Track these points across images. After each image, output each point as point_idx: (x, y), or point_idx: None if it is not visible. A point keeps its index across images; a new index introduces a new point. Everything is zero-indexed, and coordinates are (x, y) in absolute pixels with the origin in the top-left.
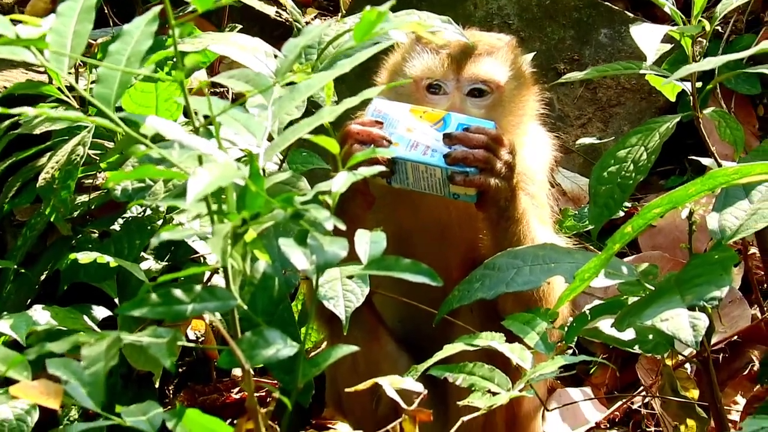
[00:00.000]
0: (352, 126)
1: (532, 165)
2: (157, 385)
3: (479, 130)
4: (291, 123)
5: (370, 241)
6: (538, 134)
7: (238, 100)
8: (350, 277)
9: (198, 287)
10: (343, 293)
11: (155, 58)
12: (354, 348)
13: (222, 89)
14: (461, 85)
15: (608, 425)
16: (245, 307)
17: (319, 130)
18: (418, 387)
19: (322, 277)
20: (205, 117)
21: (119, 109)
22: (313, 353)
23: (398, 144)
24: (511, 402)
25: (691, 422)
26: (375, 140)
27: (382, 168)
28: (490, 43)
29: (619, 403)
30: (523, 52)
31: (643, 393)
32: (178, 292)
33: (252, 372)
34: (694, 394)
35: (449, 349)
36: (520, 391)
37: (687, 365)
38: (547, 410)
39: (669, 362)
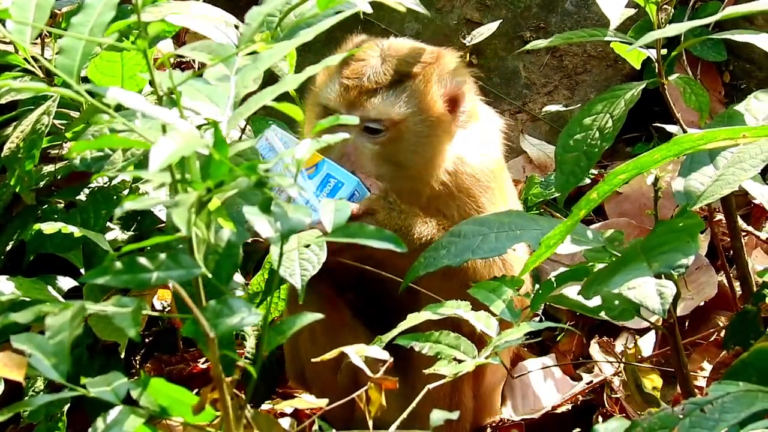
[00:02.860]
0: None
1: (472, 171)
2: (123, 356)
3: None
4: (250, 94)
5: (334, 209)
6: (475, 134)
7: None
8: (307, 246)
9: (163, 255)
10: (299, 262)
11: (117, 26)
12: (318, 315)
13: (189, 59)
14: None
15: (581, 398)
16: (210, 275)
17: (283, 97)
18: (384, 355)
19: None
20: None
21: (85, 79)
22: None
23: None
24: (478, 370)
25: (653, 383)
26: None
27: (345, 135)
28: (398, 70)
29: (584, 382)
30: (461, 59)
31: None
32: (142, 260)
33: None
34: (657, 383)
35: (414, 318)
36: (486, 358)
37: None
38: (512, 377)
39: (631, 353)
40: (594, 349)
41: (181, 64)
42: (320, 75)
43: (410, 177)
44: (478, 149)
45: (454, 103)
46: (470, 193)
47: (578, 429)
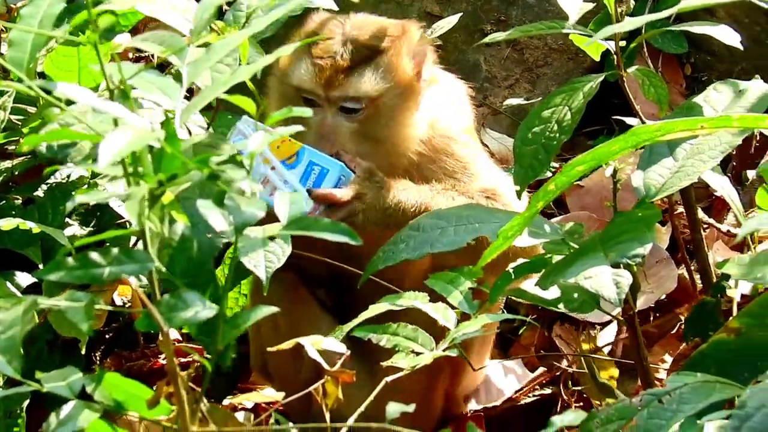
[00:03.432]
0: None
1: (444, 132)
2: (83, 352)
3: (322, 197)
4: None
5: (289, 202)
6: (442, 98)
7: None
8: (272, 238)
9: (116, 250)
10: (264, 254)
11: (76, 21)
12: (274, 309)
13: (147, 53)
14: (332, 100)
15: (538, 387)
16: (164, 269)
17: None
18: (341, 348)
19: (243, 238)
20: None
21: (42, 74)
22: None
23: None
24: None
25: (609, 373)
26: None
27: (299, 127)
28: (369, 46)
29: (539, 371)
30: (423, 30)
31: (568, 355)
32: (95, 256)
33: (172, 335)
34: (614, 373)
35: (374, 309)
36: (444, 351)
37: (606, 349)
38: (474, 370)
39: (586, 346)
40: (556, 337)
41: (142, 59)
42: (288, 57)
43: (387, 151)
44: (447, 111)
45: (420, 72)
46: (447, 151)
47: (536, 421)
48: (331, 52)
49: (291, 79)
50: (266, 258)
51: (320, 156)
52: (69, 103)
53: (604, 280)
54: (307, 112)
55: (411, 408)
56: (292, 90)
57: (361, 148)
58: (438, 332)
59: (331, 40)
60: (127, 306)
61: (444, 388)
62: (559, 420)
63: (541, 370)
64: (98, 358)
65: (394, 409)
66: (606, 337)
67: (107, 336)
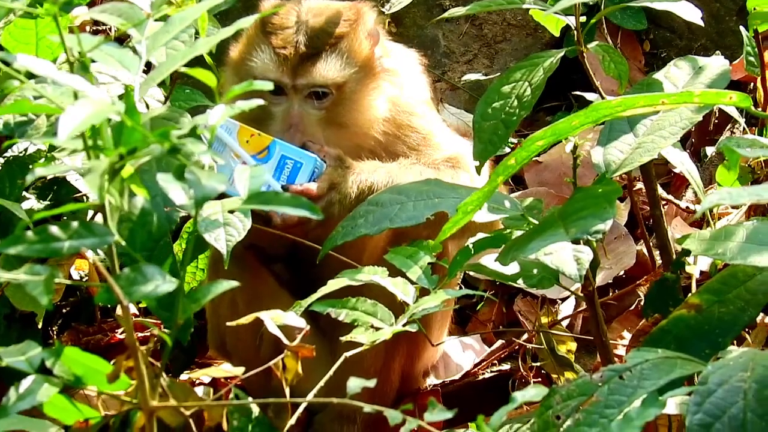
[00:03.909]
0: None
1: (404, 107)
2: (40, 326)
3: (299, 192)
4: None
5: (249, 176)
6: (400, 72)
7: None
8: (231, 212)
9: (75, 224)
10: (224, 228)
11: None
12: (234, 283)
13: (105, 26)
14: (299, 88)
15: (497, 362)
16: (123, 243)
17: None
18: (300, 322)
19: (203, 211)
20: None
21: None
22: None
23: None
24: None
25: (567, 347)
26: None
27: (260, 101)
28: (329, 32)
29: (498, 344)
30: (374, 7)
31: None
32: (54, 229)
33: (131, 309)
34: (572, 346)
35: (333, 284)
36: (404, 326)
37: (564, 322)
38: (433, 345)
39: (545, 320)
40: (518, 310)
41: (99, 32)
42: (243, 48)
43: (354, 134)
44: (405, 86)
45: (374, 52)
46: (410, 126)
47: (494, 396)
48: (292, 41)
49: (253, 70)
50: (226, 232)
51: (292, 149)
52: (28, 76)
53: (564, 256)
54: (267, 85)
55: (372, 383)
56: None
57: (328, 134)
58: (397, 309)
59: (291, 29)
60: (84, 280)
61: (401, 364)
62: (520, 395)
63: (499, 342)
64: (55, 332)
65: (355, 384)
66: (564, 312)
67: (64, 311)
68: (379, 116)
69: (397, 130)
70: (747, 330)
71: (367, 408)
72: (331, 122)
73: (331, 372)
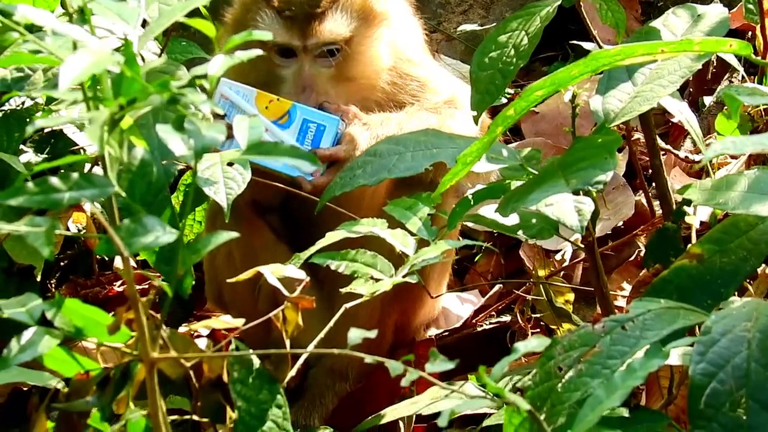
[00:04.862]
0: None
1: (404, 56)
2: (39, 279)
3: (328, 157)
4: None
5: (248, 127)
6: (396, 19)
7: None
8: (230, 164)
9: (75, 175)
10: (223, 180)
11: None
12: (234, 234)
13: None
14: (309, 48)
15: (495, 313)
16: (123, 194)
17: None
18: (300, 274)
19: (202, 163)
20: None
21: None
22: None
23: None
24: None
25: (564, 298)
26: None
27: (259, 51)
28: None
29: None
30: None
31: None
32: (55, 181)
33: (132, 261)
34: (570, 297)
35: (331, 237)
36: (404, 277)
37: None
38: (432, 297)
39: (542, 272)
40: (524, 256)
41: None
42: (240, 13)
43: (362, 87)
44: (401, 32)
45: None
46: (411, 75)
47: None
48: (296, 2)
49: (260, 32)
50: (226, 185)
51: (313, 112)
52: (30, 29)
53: (565, 207)
54: (266, 35)
55: (373, 334)
56: (257, 45)
57: (338, 91)
58: (397, 262)
59: None
60: (82, 233)
61: (395, 319)
62: (522, 346)
63: (497, 287)
64: (53, 286)
65: (355, 335)
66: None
67: (62, 264)
68: (385, 66)
69: (400, 80)
70: (749, 280)
71: (368, 359)
72: (340, 78)
73: (331, 323)
